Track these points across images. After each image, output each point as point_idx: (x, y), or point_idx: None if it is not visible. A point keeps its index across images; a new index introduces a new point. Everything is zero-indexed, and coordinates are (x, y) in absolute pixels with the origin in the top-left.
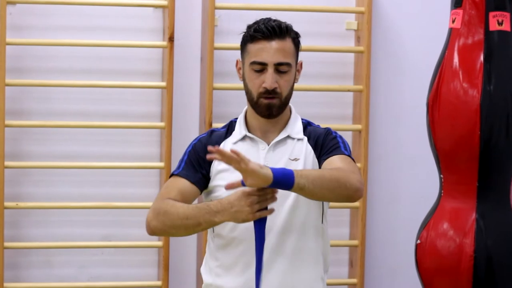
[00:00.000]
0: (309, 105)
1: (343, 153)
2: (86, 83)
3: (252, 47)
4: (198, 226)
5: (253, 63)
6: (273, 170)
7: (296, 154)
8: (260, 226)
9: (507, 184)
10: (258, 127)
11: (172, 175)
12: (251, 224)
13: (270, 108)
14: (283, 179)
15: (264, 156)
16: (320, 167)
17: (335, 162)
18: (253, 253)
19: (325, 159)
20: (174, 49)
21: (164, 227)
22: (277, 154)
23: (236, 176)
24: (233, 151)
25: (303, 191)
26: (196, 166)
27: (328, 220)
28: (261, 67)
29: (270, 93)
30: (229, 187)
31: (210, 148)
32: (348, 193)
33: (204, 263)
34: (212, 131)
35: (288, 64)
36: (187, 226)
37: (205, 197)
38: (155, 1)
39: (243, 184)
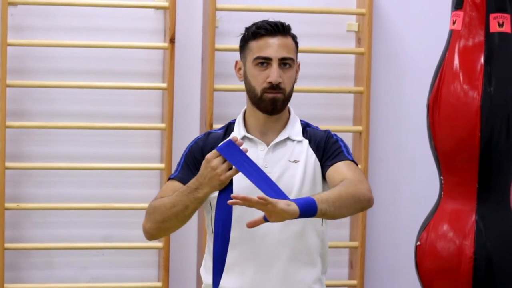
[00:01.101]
0: (310, 107)
1: (347, 159)
2: (87, 84)
3: (255, 44)
4: (186, 209)
5: (258, 58)
6: (298, 203)
7: (296, 156)
8: (225, 195)
9: (507, 186)
10: (257, 127)
11: (169, 179)
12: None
13: (274, 103)
14: (308, 210)
15: (264, 157)
16: (324, 173)
17: (342, 169)
18: (253, 253)
19: (330, 166)
20: (175, 50)
21: (157, 224)
22: (276, 156)
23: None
24: (260, 197)
25: (325, 216)
26: (192, 169)
27: (327, 222)
28: (265, 62)
29: (275, 88)
30: (251, 225)
31: (234, 195)
32: (362, 205)
33: (204, 263)
34: (209, 133)
35: (291, 59)
36: (177, 213)
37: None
38: (156, 2)
39: (265, 219)
